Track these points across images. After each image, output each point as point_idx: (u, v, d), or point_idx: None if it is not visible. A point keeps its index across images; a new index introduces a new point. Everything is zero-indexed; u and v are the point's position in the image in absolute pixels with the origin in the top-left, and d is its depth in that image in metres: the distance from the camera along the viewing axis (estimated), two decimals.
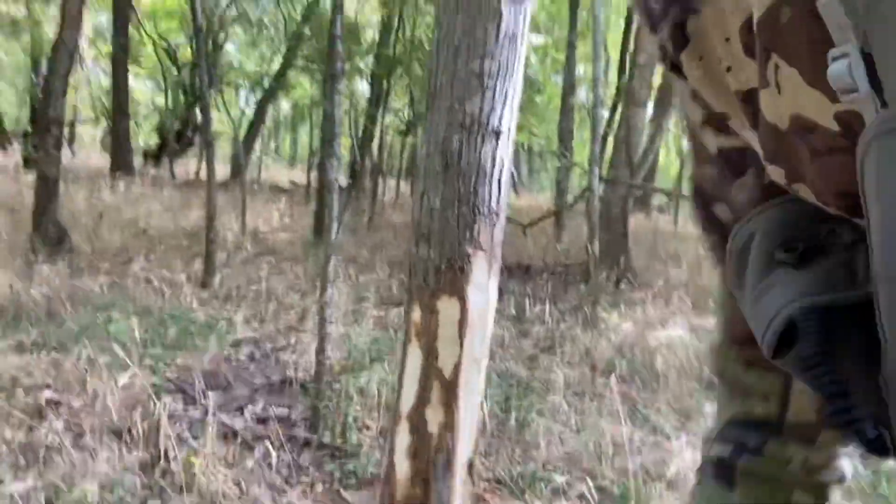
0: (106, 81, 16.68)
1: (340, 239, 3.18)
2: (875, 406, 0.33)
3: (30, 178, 7.41)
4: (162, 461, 2.32)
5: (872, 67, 0.29)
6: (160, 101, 17.11)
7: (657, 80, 6.91)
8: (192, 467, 2.22)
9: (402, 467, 1.82)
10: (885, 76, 0.29)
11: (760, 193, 0.46)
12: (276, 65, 13.52)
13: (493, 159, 1.69)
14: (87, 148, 19.30)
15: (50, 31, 11.40)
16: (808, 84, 0.34)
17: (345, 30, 4.08)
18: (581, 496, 2.34)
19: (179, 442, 2.44)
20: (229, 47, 15.02)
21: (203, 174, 9.46)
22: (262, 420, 2.87)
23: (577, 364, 3.88)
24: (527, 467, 2.56)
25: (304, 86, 15.17)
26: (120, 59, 12.64)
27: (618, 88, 11.47)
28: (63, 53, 5.70)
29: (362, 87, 11.37)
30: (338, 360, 3.48)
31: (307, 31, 9.99)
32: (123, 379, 2.80)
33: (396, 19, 9.37)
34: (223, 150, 17.87)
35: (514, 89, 1.71)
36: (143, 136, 19.32)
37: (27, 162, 10.87)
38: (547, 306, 4.90)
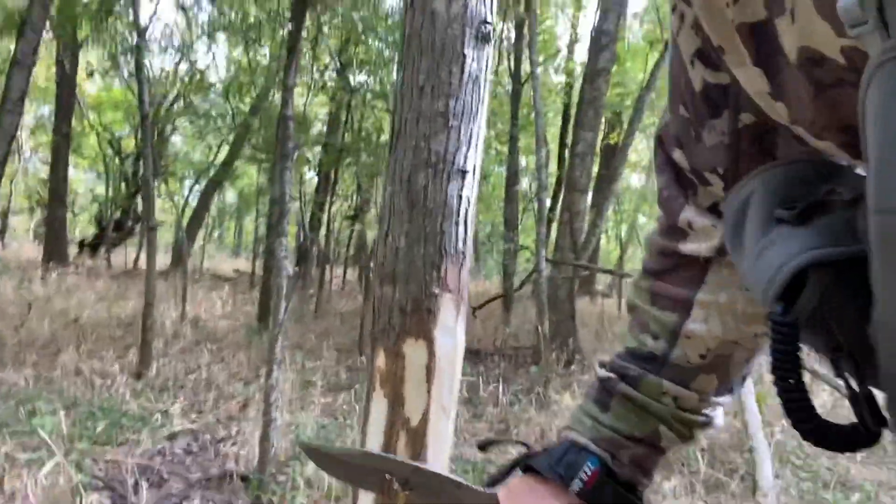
0: (44, 171, 16.33)
1: (287, 320, 3.09)
2: (868, 359, 0.34)
3: None
4: None
5: (881, 2, 0.30)
6: (100, 190, 16.79)
7: (595, 169, 7.27)
8: None
9: None
10: (893, 14, 0.29)
11: (730, 138, 0.47)
12: (222, 155, 13.57)
13: (460, 198, 1.67)
14: (19, 239, 18.61)
15: None
16: (817, 13, 0.34)
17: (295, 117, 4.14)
18: None
19: None
20: (175, 139, 15.04)
21: (142, 263, 9.17)
22: None
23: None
24: None
25: (251, 174, 15.21)
26: (61, 147, 12.42)
27: (558, 178, 11.98)
28: (0, 139, 5.58)
29: (309, 175, 11.48)
30: (284, 449, 3.29)
31: (256, 122, 10.12)
32: (45, 476, 2.55)
33: (345, 113, 9.66)
34: (164, 238, 17.50)
35: (479, 130, 1.73)
36: (80, 227, 18.82)
37: None
38: (500, 387, 4.83)
